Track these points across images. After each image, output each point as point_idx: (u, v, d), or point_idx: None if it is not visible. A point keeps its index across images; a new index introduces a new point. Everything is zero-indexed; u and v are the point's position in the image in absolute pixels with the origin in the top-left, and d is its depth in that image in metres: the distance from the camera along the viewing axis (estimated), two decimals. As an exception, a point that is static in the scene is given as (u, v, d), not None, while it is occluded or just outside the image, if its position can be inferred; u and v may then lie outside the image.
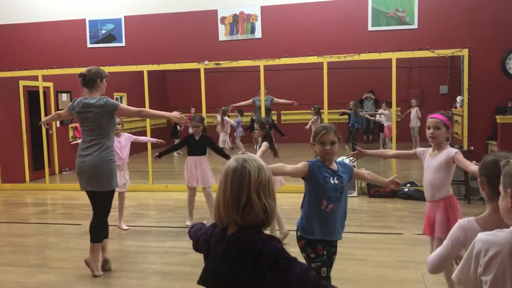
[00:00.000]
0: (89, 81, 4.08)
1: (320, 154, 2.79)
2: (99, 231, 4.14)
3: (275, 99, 8.96)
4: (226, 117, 9.63)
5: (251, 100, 8.60)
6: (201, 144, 5.63)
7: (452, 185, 7.12)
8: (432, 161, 3.32)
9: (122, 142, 5.64)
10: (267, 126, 4.87)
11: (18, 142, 8.48)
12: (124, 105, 4.33)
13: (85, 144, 4.07)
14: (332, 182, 2.74)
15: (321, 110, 10.71)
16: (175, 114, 4.22)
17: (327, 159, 2.79)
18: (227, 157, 5.42)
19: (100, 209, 4.12)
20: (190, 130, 5.88)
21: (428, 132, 3.33)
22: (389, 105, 11.06)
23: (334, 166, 2.82)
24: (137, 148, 7.58)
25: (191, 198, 5.75)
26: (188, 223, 5.59)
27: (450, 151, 3.29)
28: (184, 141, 5.94)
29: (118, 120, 4.70)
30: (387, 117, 10.61)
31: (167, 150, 5.74)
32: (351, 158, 3.82)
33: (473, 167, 3.30)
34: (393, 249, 4.65)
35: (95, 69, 4.17)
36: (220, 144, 9.22)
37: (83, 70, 4.18)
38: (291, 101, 8.70)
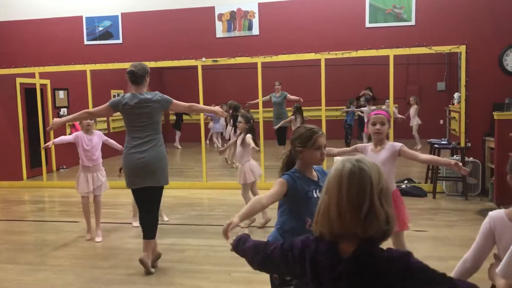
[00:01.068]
0: (140, 77, 4.10)
1: (313, 161, 2.40)
2: (154, 227, 4.15)
3: (288, 95, 9.17)
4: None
5: (268, 96, 8.90)
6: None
7: (449, 182, 7.13)
8: (377, 156, 3.41)
9: (93, 141, 5.09)
10: (251, 120, 5.36)
11: (15, 140, 8.46)
12: (178, 101, 4.24)
13: (138, 140, 3.99)
14: (315, 195, 2.33)
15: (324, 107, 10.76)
16: (218, 108, 4.63)
17: (308, 168, 2.43)
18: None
19: (156, 204, 4.16)
20: None
21: (374, 128, 3.46)
22: (369, 102, 11.11)
23: (314, 175, 2.43)
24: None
25: None
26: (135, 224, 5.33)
27: (395, 145, 3.47)
28: None
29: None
30: (366, 113, 10.57)
31: None
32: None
33: (423, 156, 3.57)
34: (390, 246, 4.65)
35: (142, 65, 4.22)
36: (227, 136, 9.98)
37: (127, 66, 4.22)
38: (298, 98, 9.05)
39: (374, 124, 3.46)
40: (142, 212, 4.13)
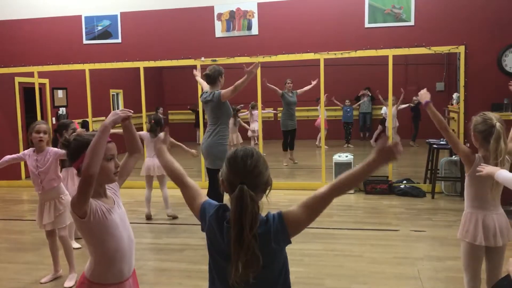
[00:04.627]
0: (213, 79, 4.87)
1: None
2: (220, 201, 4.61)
3: (298, 91, 9.18)
4: (254, 111, 10.58)
5: (280, 92, 8.98)
6: None
7: (448, 182, 7.16)
8: None
9: (40, 160, 3.93)
10: (152, 121, 5.66)
11: (13, 139, 8.45)
12: (223, 90, 4.81)
13: (207, 128, 4.98)
14: None
15: (318, 107, 10.78)
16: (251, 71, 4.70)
17: None
18: None
19: (212, 183, 4.80)
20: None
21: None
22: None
23: None
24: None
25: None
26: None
27: None
28: None
29: (43, 127, 3.92)
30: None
31: None
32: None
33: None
34: (389, 246, 4.66)
35: (216, 68, 4.92)
36: (249, 134, 10.57)
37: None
38: (308, 87, 9.18)
39: None
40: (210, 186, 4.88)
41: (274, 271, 1.66)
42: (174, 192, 7.20)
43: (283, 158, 9.37)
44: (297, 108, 10.75)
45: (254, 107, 10.52)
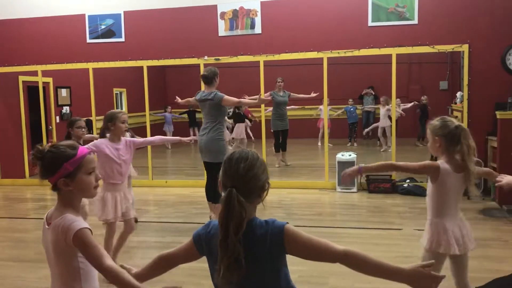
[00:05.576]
0: (210, 79, 5.30)
1: None
2: (218, 194, 4.65)
3: (292, 94, 8.97)
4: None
5: (268, 93, 8.52)
6: None
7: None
8: None
9: (122, 149, 3.99)
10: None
11: (17, 138, 8.48)
12: (228, 96, 5.27)
13: (203, 126, 5.35)
14: None
15: (320, 105, 10.77)
16: (261, 98, 5.56)
17: None
18: None
19: (214, 176, 5.10)
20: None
21: None
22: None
23: None
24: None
25: None
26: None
27: None
28: None
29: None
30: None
31: None
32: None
33: None
34: (392, 245, 4.66)
35: (212, 70, 5.37)
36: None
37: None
38: (307, 96, 9.02)
39: None
40: (208, 179, 5.48)
41: (265, 277, 1.62)
42: (175, 192, 7.20)
43: (276, 159, 9.19)
44: (300, 106, 10.79)
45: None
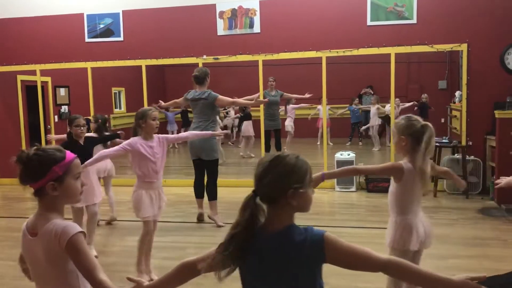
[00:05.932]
0: (202, 79, 5.42)
1: None
2: (213, 191, 5.45)
3: (285, 94, 8.89)
4: (289, 106, 10.84)
5: (256, 94, 8.41)
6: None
7: (450, 180, 7.14)
8: None
9: (155, 147, 3.90)
10: (99, 120, 5.40)
11: (16, 137, 8.46)
12: (222, 96, 5.42)
13: (194, 124, 5.41)
14: None
15: (318, 105, 10.78)
16: (257, 99, 5.87)
17: None
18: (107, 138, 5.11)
19: (210, 174, 5.44)
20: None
21: None
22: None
23: None
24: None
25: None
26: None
27: None
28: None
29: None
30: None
31: None
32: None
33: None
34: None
35: (203, 70, 5.51)
36: (288, 129, 10.81)
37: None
38: (301, 96, 8.92)
39: None
40: (197, 177, 5.60)
41: (299, 285, 1.57)
42: (175, 191, 7.20)
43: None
44: (299, 106, 10.76)
45: (290, 102, 10.54)
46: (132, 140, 3.80)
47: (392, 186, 2.79)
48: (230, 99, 5.54)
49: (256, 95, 6.69)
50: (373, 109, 11.09)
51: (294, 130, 11.19)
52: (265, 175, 1.54)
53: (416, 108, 11.64)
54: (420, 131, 2.61)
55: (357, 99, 12.41)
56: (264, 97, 8.41)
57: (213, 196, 5.48)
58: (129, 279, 1.74)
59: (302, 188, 1.55)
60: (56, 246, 1.70)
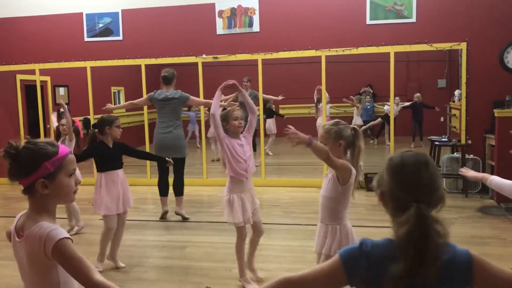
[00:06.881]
0: (170, 80, 5.64)
1: None
2: (181, 187, 5.72)
3: (264, 96, 8.74)
4: (319, 104, 10.37)
5: (234, 94, 8.27)
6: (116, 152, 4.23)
7: (449, 179, 7.12)
8: None
9: (245, 145, 3.77)
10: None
11: (15, 136, 8.45)
12: (193, 97, 5.80)
13: (164, 124, 5.57)
14: None
15: (320, 105, 10.77)
16: (230, 102, 5.88)
17: None
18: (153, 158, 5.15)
19: (178, 170, 5.65)
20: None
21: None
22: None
23: None
24: (134, 143, 7.56)
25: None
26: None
27: None
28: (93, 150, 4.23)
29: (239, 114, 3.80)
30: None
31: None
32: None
33: None
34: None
35: (171, 71, 5.70)
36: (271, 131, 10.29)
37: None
38: (277, 97, 8.94)
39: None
40: (162, 175, 5.71)
41: None
42: (173, 190, 7.18)
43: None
44: (298, 105, 10.75)
45: (319, 100, 10.09)
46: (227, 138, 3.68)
47: (332, 191, 2.72)
48: (203, 100, 5.92)
49: (232, 95, 6.80)
50: (356, 110, 11.29)
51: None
52: (430, 180, 1.34)
53: (406, 108, 11.35)
54: (352, 134, 2.71)
55: (369, 97, 12.03)
56: (239, 98, 8.35)
57: (180, 192, 5.73)
58: None
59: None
60: (40, 252, 1.56)
